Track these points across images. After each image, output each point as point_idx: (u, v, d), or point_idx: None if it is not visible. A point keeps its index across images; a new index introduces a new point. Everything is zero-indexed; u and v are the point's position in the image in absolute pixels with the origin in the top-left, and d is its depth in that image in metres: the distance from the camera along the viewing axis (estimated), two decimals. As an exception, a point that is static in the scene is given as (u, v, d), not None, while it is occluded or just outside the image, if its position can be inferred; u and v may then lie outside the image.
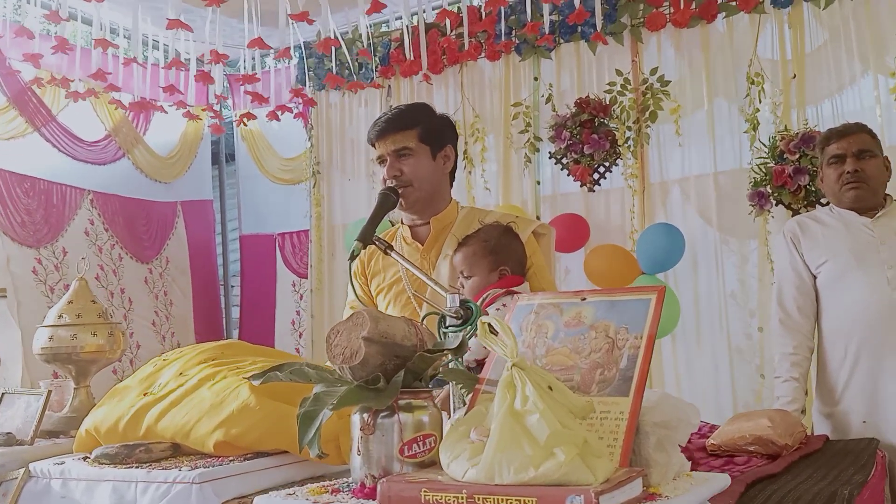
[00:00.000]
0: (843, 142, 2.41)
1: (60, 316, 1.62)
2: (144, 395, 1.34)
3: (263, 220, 5.31)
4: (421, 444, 0.96)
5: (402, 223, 2.16)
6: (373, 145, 2.11)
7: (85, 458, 1.31)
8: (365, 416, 0.97)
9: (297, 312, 5.10)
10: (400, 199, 2.04)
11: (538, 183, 3.96)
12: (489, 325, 0.94)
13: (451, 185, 2.17)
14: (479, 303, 1.84)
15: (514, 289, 1.88)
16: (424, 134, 2.06)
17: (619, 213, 3.76)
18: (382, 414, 0.97)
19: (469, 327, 1.58)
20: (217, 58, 3.64)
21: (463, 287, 1.94)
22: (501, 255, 1.89)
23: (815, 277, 2.46)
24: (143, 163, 4.77)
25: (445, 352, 1.02)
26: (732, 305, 3.46)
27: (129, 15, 3.75)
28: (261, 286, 5.28)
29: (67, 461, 1.31)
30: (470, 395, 1.10)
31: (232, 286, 5.65)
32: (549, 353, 1.09)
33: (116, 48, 3.81)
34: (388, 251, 1.82)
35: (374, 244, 1.85)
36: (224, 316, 5.55)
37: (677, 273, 3.49)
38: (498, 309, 1.81)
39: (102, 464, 1.26)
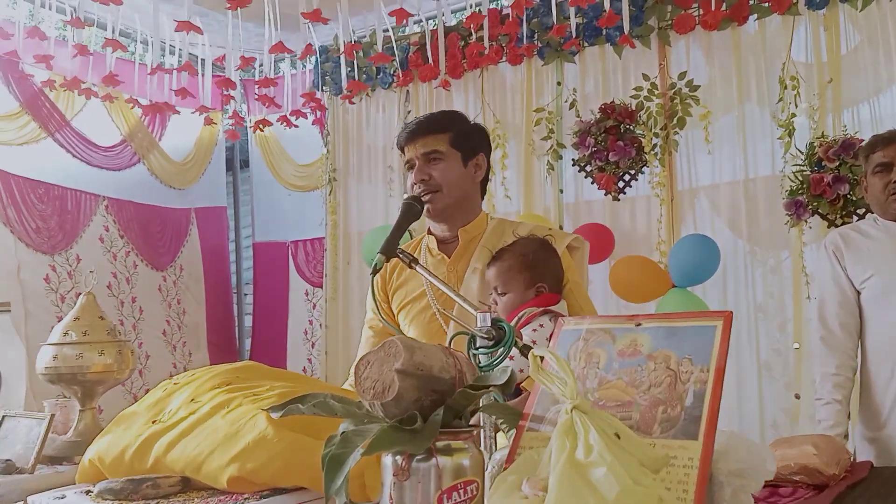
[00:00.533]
0: (889, 149, 2.28)
1: (66, 333, 1.52)
2: (153, 422, 1.24)
3: (277, 228, 5.23)
4: (462, 492, 0.85)
5: (429, 233, 2.05)
6: (402, 150, 2.01)
7: (87, 492, 1.20)
8: (398, 459, 0.86)
9: (310, 322, 5.01)
10: (427, 206, 1.93)
11: (561, 191, 3.84)
12: (540, 356, 0.83)
13: (483, 197, 2.06)
14: (513, 322, 1.73)
15: (552, 308, 1.76)
16: (456, 139, 1.96)
17: (645, 222, 3.63)
18: (418, 457, 0.86)
19: (502, 349, 1.47)
20: (245, 63, 3.55)
21: (495, 304, 1.82)
22: (538, 270, 1.78)
23: (858, 293, 2.33)
24: (158, 168, 4.70)
25: (491, 388, 0.90)
26: (762, 319, 3.33)
27: (145, 18, 3.69)
28: (274, 295, 5.19)
29: (69, 495, 1.21)
30: (512, 433, 0.99)
31: (245, 294, 5.57)
32: (601, 385, 0.97)
33: (125, 50, 3.73)
34: (413, 264, 1.71)
35: (398, 257, 1.74)
36: (237, 325, 5.47)
37: (705, 285, 3.36)
38: (535, 330, 1.70)
39: (106, 499, 1.15)
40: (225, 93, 5.12)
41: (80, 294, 1.61)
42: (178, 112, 4.32)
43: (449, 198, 1.94)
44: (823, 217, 3.10)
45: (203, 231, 5.09)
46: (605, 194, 3.68)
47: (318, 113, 4.73)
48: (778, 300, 3.25)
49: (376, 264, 1.72)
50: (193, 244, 5.03)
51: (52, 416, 1.40)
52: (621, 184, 3.65)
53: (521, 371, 1.69)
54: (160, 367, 4.58)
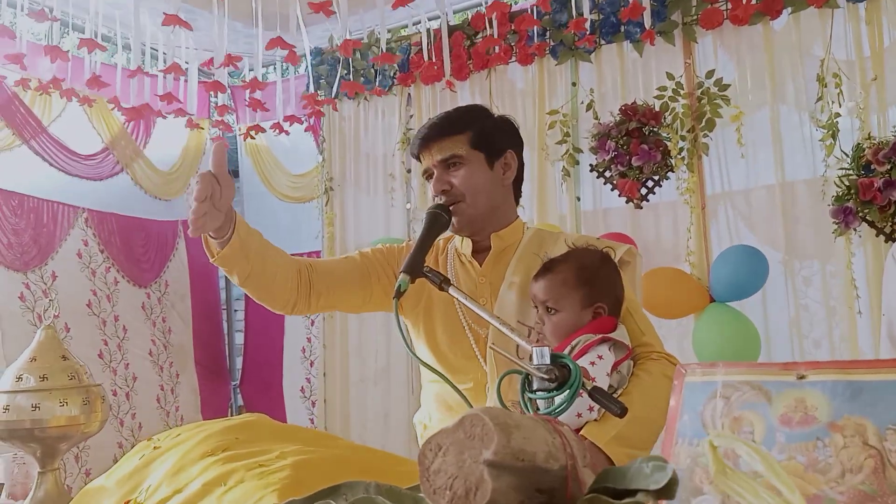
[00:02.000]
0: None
1: (19, 378, 1.22)
2: (126, 503, 0.94)
3: (271, 241, 4.90)
4: None
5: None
6: (417, 158, 1.73)
7: None
8: None
9: (309, 339, 4.70)
10: (452, 220, 1.65)
11: (578, 199, 3.56)
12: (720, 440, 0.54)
13: (517, 201, 1.78)
14: (566, 351, 1.45)
15: (611, 335, 1.48)
16: (477, 138, 1.67)
17: (672, 231, 3.35)
18: None
19: (566, 393, 1.18)
20: (229, 61, 3.25)
21: (541, 323, 1.54)
22: (598, 288, 1.49)
23: (934, 310, 2.07)
24: (142, 178, 4.39)
25: (641, 494, 0.60)
26: (804, 338, 3.05)
27: (126, 17, 3.39)
28: (268, 312, 4.85)
29: None
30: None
31: (235, 310, 5.25)
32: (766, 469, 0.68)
33: (103, 49, 3.43)
34: (445, 286, 1.43)
35: (426, 277, 1.46)
36: (227, 343, 5.15)
37: (742, 301, 3.08)
38: (593, 363, 1.42)
39: None
40: (213, 99, 4.84)
41: (57, 315, 1.34)
42: (165, 117, 4.02)
43: (474, 207, 1.67)
44: (872, 225, 2.84)
45: (191, 244, 4.76)
46: (627, 202, 3.41)
47: (313, 119, 4.43)
48: (827, 315, 2.97)
49: (400, 286, 1.44)
50: (180, 259, 4.71)
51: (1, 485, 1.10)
52: (644, 190, 3.38)
53: (579, 416, 1.41)
54: (147, 391, 4.26)
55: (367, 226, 4.23)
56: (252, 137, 4.41)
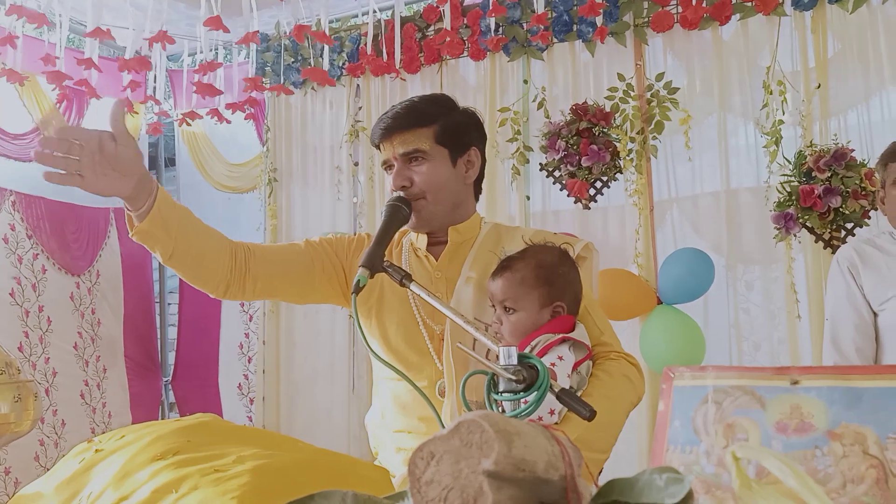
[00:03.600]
0: (914, 158, 2.09)
1: (-58, 372, 1.12)
2: (64, 512, 0.86)
3: (209, 231, 4.75)
4: None
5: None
6: (377, 147, 1.67)
7: None
8: None
9: (246, 335, 4.57)
10: (413, 217, 1.61)
11: (527, 198, 3.55)
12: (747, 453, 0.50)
13: (477, 199, 1.74)
14: (527, 351, 1.41)
15: (571, 335, 1.46)
16: (442, 133, 1.62)
17: (619, 232, 3.37)
18: None
19: (534, 395, 1.15)
20: (162, 38, 3.11)
21: (499, 323, 1.51)
22: (558, 287, 1.47)
23: (876, 315, 2.13)
24: (75, 161, 4.18)
25: None
26: (745, 340, 3.10)
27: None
28: (203, 305, 4.71)
29: None
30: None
31: (169, 304, 5.07)
32: (762, 477, 0.66)
33: (43, 19, 3.23)
34: (406, 282, 1.38)
35: (386, 272, 1.40)
36: (159, 337, 4.96)
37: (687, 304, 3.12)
38: (554, 364, 1.39)
39: None
40: (149, 83, 4.65)
41: None
42: (100, 97, 3.83)
43: (435, 205, 1.62)
44: (812, 231, 2.91)
45: (123, 233, 4.56)
46: (576, 202, 3.41)
47: (255, 108, 4.30)
48: (767, 319, 3.03)
49: (359, 281, 1.38)
50: (112, 248, 4.51)
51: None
52: (593, 191, 3.39)
53: (540, 419, 1.38)
54: (70, 385, 4.06)
55: (313, 219, 4.13)
56: (188, 124, 4.26)
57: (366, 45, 3.84)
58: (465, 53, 3.74)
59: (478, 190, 1.75)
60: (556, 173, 3.43)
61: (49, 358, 3.97)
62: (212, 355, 4.66)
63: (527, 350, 1.42)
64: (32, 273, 3.94)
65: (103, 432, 3.53)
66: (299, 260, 1.70)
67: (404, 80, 3.79)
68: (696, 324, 2.88)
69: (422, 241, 1.69)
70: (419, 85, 3.86)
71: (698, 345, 2.84)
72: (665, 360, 2.80)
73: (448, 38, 3.28)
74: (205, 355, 4.68)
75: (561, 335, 1.43)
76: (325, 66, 3.55)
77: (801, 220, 2.88)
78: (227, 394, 4.55)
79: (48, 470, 3.16)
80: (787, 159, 2.97)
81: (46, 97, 3.92)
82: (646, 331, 2.93)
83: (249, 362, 4.49)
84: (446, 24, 3.31)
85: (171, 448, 0.91)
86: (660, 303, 2.97)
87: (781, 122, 3.02)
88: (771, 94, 3.07)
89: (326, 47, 3.57)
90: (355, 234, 1.83)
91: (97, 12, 2.99)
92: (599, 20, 3.22)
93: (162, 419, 4.75)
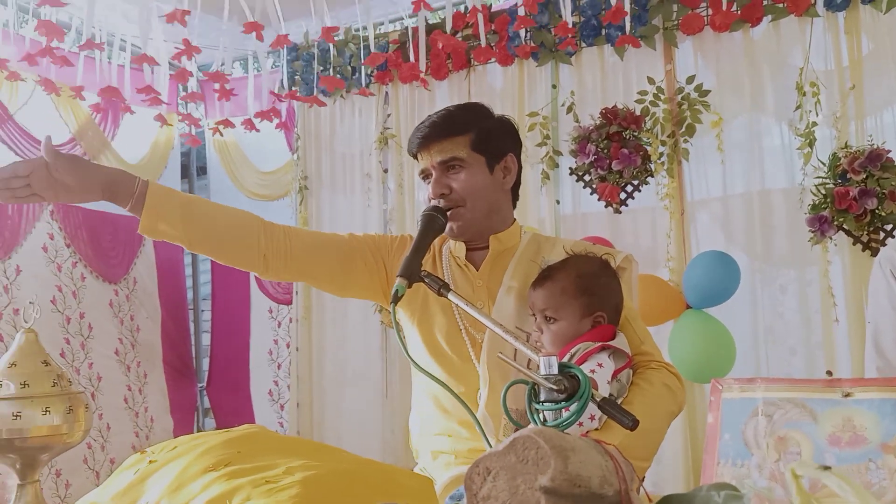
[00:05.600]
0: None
1: (-1, 384, 1.15)
2: (122, 522, 0.88)
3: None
4: None
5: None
6: (414, 157, 1.69)
7: None
8: None
9: (275, 341, 4.62)
10: (450, 225, 1.62)
11: (557, 202, 3.55)
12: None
13: (514, 205, 1.75)
14: (566, 359, 1.42)
15: (611, 343, 1.46)
16: (479, 141, 1.64)
17: (650, 236, 3.36)
18: None
19: (575, 405, 1.15)
20: (189, 51, 3.17)
21: (540, 332, 1.51)
22: (598, 296, 1.47)
23: (919, 318, 2.08)
24: (110, 171, 4.26)
25: None
26: (780, 344, 3.07)
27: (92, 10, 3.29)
28: (234, 312, 4.78)
29: None
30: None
31: (202, 310, 5.14)
32: (816, 491, 0.66)
33: (63, 34, 3.31)
34: (444, 292, 1.39)
35: (424, 282, 1.42)
36: (194, 343, 5.03)
37: (719, 307, 3.09)
38: (593, 371, 1.39)
39: None
40: (182, 94, 4.72)
41: (17, 309, 1.27)
42: (133, 112, 3.90)
43: (472, 213, 1.64)
44: (848, 234, 2.87)
45: (157, 242, 4.64)
46: (606, 206, 3.40)
47: (285, 116, 4.35)
48: (802, 323, 3.00)
49: (397, 291, 1.40)
50: (147, 255, 4.58)
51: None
52: (624, 195, 3.38)
53: (581, 424, 1.39)
54: (113, 390, 4.13)
55: (343, 226, 4.16)
56: (220, 133, 4.32)
57: (398, 50, 3.88)
58: (493, 59, 3.75)
59: (515, 196, 1.75)
60: (587, 177, 3.43)
61: (92, 363, 4.05)
62: (243, 361, 4.72)
63: (566, 358, 1.43)
64: (72, 281, 4.02)
65: (147, 437, 3.60)
66: (341, 247, 1.74)
67: (429, 90, 3.81)
68: (725, 328, 2.85)
69: (460, 249, 1.70)
70: (446, 91, 3.88)
71: (727, 350, 2.81)
72: (693, 366, 2.77)
73: (473, 44, 3.29)
74: (236, 361, 4.74)
75: (601, 343, 1.43)
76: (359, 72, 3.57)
77: (836, 223, 2.84)
78: (259, 400, 4.60)
79: (96, 472, 3.23)
80: (821, 161, 2.94)
81: (82, 109, 4.01)
82: (674, 337, 2.90)
83: (279, 368, 4.53)
84: (482, 34, 3.32)
85: (221, 459, 0.93)
86: (688, 307, 2.95)
87: (815, 123, 2.98)
88: (804, 95, 3.04)
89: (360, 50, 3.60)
90: (399, 235, 1.84)
91: (145, 35, 3.06)
92: (628, 26, 3.20)
93: (198, 425, 4.83)
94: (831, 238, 2.88)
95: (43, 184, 1.45)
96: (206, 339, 5.03)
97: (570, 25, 3.21)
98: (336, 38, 4.15)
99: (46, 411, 1.14)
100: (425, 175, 1.66)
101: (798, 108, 3.05)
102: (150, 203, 1.51)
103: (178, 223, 1.54)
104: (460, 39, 3.81)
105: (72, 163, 1.48)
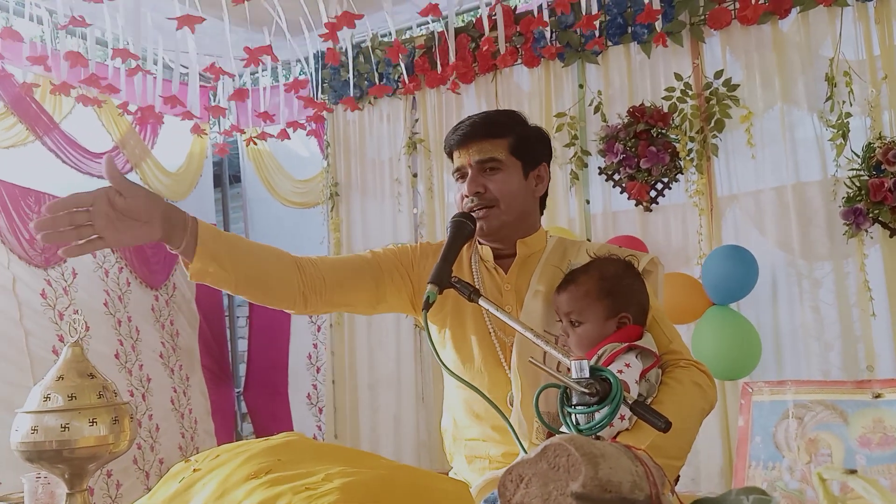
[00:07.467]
0: None
1: (47, 397, 1.19)
2: (169, 529, 0.92)
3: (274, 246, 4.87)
4: None
5: (479, 241, 1.75)
6: (450, 155, 1.71)
7: None
8: None
9: (315, 346, 4.67)
10: (480, 224, 1.64)
11: (587, 202, 3.54)
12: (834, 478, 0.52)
13: (542, 214, 1.77)
14: (593, 361, 1.43)
15: (638, 343, 1.46)
16: (517, 145, 1.66)
17: (681, 234, 3.33)
18: None
19: (607, 408, 1.16)
20: (215, 71, 3.24)
21: (566, 335, 1.52)
22: (623, 297, 1.48)
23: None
24: (151, 178, 4.37)
25: None
26: (817, 339, 3.02)
27: (129, 24, 3.37)
28: (273, 317, 4.84)
29: None
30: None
31: (238, 317, 5.22)
32: (847, 494, 0.66)
33: (87, 63, 3.41)
34: (474, 297, 1.41)
35: (455, 287, 1.43)
36: (230, 350, 5.12)
37: (751, 303, 3.06)
38: (620, 371, 1.40)
39: None
40: (212, 104, 4.80)
41: (77, 311, 1.32)
42: (163, 122, 3.99)
43: (506, 215, 1.65)
44: (885, 226, 2.83)
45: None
46: (636, 204, 3.39)
47: (314, 124, 4.41)
48: (839, 318, 2.95)
49: (428, 296, 1.41)
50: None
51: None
52: (653, 193, 3.36)
53: (611, 426, 1.39)
54: (161, 391, 4.25)
55: (374, 231, 4.21)
56: (255, 143, 4.39)
57: (425, 55, 3.91)
58: (519, 61, 3.75)
59: (542, 205, 1.77)
60: (616, 176, 3.42)
61: (143, 365, 4.16)
62: (281, 366, 4.78)
63: (593, 360, 1.44)
64: (118, 286, 4.12)
65: (192, 437, 3.68)
66: (368, 269, 1.73)
67: (459, 93, 3.83)
68: (749, 324, 2.82)
69: (487, 253, 1.71)
70: (474, 95, 3.90)
71: (753, 347, 2.77)
72: (718, 363, 2.74)
73: (498, 51, 3.30)
74: (274, 366, 4.80)
75: (627, 343, 1.44)
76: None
77: (871, 215, 2.80)
78: (297, 404, 4.66)
79: (146, 472, 3.31)
80: (854, 153, 2.89)
81: (123, 118, 4.11)
82: (696, 334, 2.88)
83: (318, 372, 4.59)
84: (500, 35, 3.33)
85: (263, 467, 0.96)
86: (713, 304, 2.92)
87: (848, 114, 2.94)
88: (835, 85, 3.00)
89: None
90: (419, 242, 1.86)
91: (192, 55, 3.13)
92: (660, 25, 3.18)
93: (237, 430, 4.91)
94: (867, 231, 2.84)
95: (103, 220, 1.27)
96: (241, 345, 5.11)
97: (595, 16, 3.18)
98: (362, 47, 4.20)
99: (93, 422, 1.18)
100: (461, 174, 1.67)
101: (829, 98, 3.01)
102: (203, 243, 1.40)
103: (228, 265, 1.45)
104: (484, 42, 3.82)
105: (135, 185, 1.35)
